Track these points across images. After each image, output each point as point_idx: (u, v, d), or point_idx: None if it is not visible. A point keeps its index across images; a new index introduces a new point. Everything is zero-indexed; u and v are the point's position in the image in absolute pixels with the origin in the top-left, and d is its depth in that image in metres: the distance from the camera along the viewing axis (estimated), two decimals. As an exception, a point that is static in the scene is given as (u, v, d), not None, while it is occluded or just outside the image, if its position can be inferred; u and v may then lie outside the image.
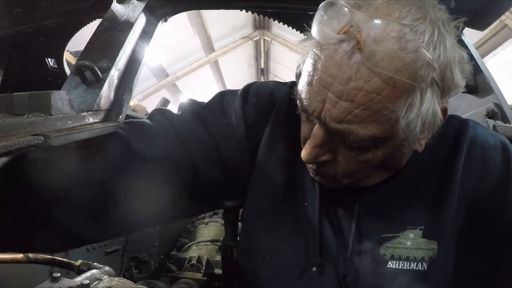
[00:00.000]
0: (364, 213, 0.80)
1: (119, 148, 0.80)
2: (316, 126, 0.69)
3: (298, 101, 0.71)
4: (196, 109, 0.89)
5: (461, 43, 1.33)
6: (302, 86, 0.68)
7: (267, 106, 0.89)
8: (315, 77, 0.63)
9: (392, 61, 0.57)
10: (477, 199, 0.76)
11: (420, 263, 0.75)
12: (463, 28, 0.69)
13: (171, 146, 0.84)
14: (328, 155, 0.71)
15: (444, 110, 0.70)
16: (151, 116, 0.90)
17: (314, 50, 0.65)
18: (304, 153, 0.71)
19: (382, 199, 0.80)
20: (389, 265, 0.76)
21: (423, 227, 0.76)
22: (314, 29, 0.64)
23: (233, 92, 0.92)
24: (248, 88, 0.92)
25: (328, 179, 0.78)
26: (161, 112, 0.90)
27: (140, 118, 1.65)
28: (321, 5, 0.63)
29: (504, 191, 0.76)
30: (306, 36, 0.70)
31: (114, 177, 0.78)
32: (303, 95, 0.67)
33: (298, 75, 0.72)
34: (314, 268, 0.80)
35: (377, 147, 0.67)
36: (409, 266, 0.75)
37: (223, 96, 0.92)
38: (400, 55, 0.57)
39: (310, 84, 0.65)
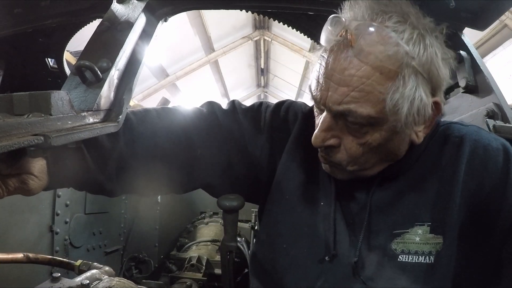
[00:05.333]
0: (375, 210, 0.88)
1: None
2: (324, 114, 0.82)
3: (310, 96, 0.85)
4: (237, 109, 1.08)
5: (460, 43, 1.34)
6: (312, 82, 0.83)
7: (292, 119, 1.04)
8: (321, 73, 0.79)
9: (377, 53, 0.73)
10: (478, 196, 0.82)
11: (427, 257, 0.81)
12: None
13: (214, 131, 1.03)
14: (335, 140, 0.83)
15: (437, 104, 0.82)
16: (204, 105, 1.09)
17: (322, 54, 0.81)
18: (313, 137, 0.83)
19: (391, 198, 0.88)
20: (400, 259, 0.82)
21: (430, 223, 0.82)
22: (322, 37, 0.81)
23: (269, 104, 1.10)
24: (281, 103, 1.10)
25: (336, 169, 0.89)
26: (212, 104, 1.09)
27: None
28: (328, 20, 0.79)
29: (504, 190, 0.81)
30: (318, 47, 0.86)
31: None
32: (313, 88, 0.83)
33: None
34: (327, 258, 0.88)
35: (374, 128, 0.79)
36: (418, 259, 0.81)
37: (261, 105, 1.10)
38: (384, 48, 0.73)
39: (317, 78, 0.80)
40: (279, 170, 1.00)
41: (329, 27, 0.78)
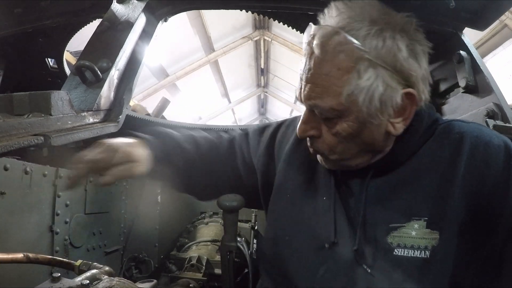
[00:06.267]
0: (371, 203, 0.91)
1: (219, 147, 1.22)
2: (305, 109, 0.92)
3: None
4: (249, 133, 1.25)
5: (460, 43, 1.33)
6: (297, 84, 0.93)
7: (291, 131, 1.15)
8: (300, 74, 0.90)
9: (335, 52, 0.82)
10: (479, 193, 0.82)
11: (423, 251, 0.82)
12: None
13: (233, 151, 1.21)
14: (315, 131, 0.91)
15: (409, 94, 0.84)
16: (227, 131, 1.32)
17: (302, 60, 0.90)
18: (297, 129, 0.93)
19: (388, 192, 0.90)
20: (395, 253, 0.84)
21: (427, 218, 0.84)
22: (303, 46, 0.91)
23: (273, 123, 1.26)
24: (284, 121, 1.23)
25: (324, 158, 0.97)
26: (232, 130, 1.31)
27: (140, 118, 1.63)
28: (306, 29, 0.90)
29: (506, 187, 0.81)
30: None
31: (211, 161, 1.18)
32: (297, 89, 0.92)
33: None
34: (327, 245, 0.92)
35: (342, 119, 0.86)
36: (413, 253, 0.83)
37: (269, 125, 1.25)
38: (340, 46, 0.81)
39: (299, 79, 0.91)
40: (279, 174, 1.09)
41: (304, 36, 0.90)
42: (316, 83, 0.85)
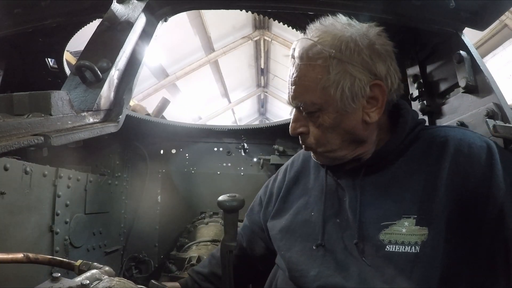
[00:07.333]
0: (364, 202, 0.98)
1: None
2: (294, 110, 1.06)
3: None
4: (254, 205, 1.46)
5: (460, 43, 1.33)
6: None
7: (290, 163, 1.37)
8: (287, 81, 1.05)
9: (309, 57, 0.98)
10: (464, 190, 0.88)
11: (413, 247, 0.87)
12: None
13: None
14: (303, 128, 1.04)
15: (377, 85, 0.97)
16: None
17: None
18: (289, 128, 1.06)
19: (379, 192, 0.98)
20: (387, 249, 0.89)
21: (416, 216, 0.90)
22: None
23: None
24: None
25: (314, 153, 1.09)
26: None
27: (140, 118, 1.62)
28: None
29: (489, 184, 0.87)
30: None
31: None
32: (287, 94, 1.06)
33: None
34: (314, 246, 1.02)
35: (323, 112, 0.98)
36: (404, 249, 0.88)
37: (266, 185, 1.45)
38: (312, 52, 0.98)
39: (287, 86, 1.05)
40: (279, 205, 1.24)
41: (290, 52, 1.05)
42: (299, 84, 1.00)
